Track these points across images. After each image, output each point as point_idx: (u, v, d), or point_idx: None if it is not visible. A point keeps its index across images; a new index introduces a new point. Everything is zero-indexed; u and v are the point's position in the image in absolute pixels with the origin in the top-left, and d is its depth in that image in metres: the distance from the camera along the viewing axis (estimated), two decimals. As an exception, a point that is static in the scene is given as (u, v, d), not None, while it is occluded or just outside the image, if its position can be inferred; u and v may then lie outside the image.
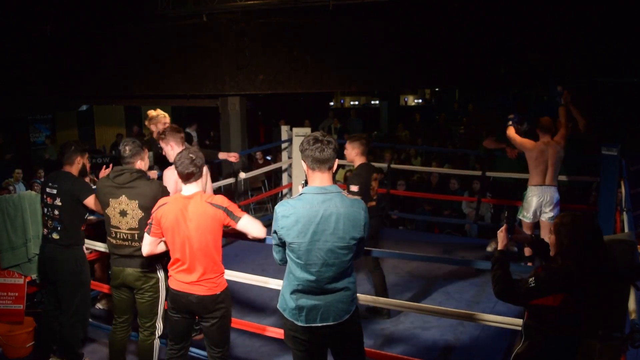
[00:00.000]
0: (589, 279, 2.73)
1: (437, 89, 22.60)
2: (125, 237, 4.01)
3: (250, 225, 3.59)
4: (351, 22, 8.78)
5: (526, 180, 7.40)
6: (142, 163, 4.13)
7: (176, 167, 3.57)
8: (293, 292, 3.11)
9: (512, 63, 8.07)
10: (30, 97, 11.84)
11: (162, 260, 4.12)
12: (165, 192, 4.02)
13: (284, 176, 9.00)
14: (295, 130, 8.41)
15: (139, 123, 16.84)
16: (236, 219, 3.55)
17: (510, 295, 2.91)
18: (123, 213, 3.98)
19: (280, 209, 3.06)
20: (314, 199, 3.02)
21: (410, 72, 8.95)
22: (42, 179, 9.46)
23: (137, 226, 3.97)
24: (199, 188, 3.62)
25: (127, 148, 4.06)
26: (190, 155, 3.57)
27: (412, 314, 5.33)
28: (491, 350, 4.77)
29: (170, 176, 4.53)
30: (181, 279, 3.59)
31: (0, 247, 4.76)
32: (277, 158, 10.96)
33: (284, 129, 8.80)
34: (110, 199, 4.00)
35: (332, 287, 3.06)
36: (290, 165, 8.68)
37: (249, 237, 3.66)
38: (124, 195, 3.96)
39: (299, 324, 3.09)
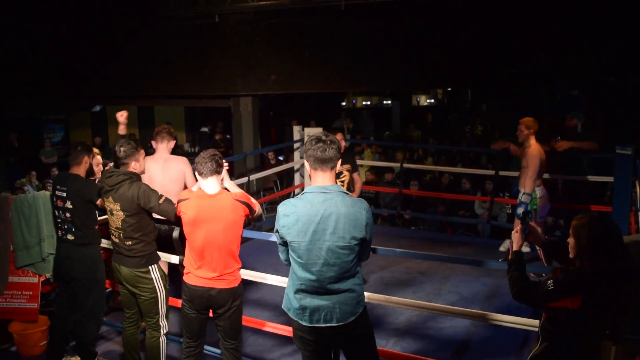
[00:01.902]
0: (600, 280, 2.71)
1: (449, 89, 22.50)
2: (115, 234, 4.13)
3: (259, 212, 3.89)
4: (362, 22, 8.76)
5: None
6: (136, 164, 4.17)
7: (196, 165, 3.66)
8: (296, 291, 3.12)
9: (518, 62, 8.03)
10: (43, 97, 11.93)
11: (157, 260, 4.20)
12: (145, 193, 4.00)
13: (296, 176, 9.01)
14: (307, 130, 8.41)
15: (151, 125, 16.88)
16: (253, 212, 3.75)
17: (528, 297, 2.90)
18: (111, 212, 4.12)
19: (282, 208, 3.09)
20: (314, 199, 3.02)
21: (420, 72, 8.92)
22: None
23: (120, 226, 4.06)
24: (220, 185, 3.70)
25: (121, 149, 4.11)
26: (211, 152, 3.65)
27: (424, 314, 5.31)
28: (504, 351, 4.74)
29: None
30: (202, 274, 3.66)
31: (14, 246, 4.79)
32: (289, 158, 10.97)
33: (296, 129, 8.81)
34: (104, 198, 4.14)
35: (335, 288, 3.05)
36: (302, 165, 8.68)
37: None
38: (111, 197, 4.08)
39: (304, 323, 3.10)
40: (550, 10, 7.51)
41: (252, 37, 9.25)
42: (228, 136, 13.92)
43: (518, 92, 13.25)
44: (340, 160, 3.11)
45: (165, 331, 4.23)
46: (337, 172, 5.80)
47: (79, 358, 4.61)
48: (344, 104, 22.97)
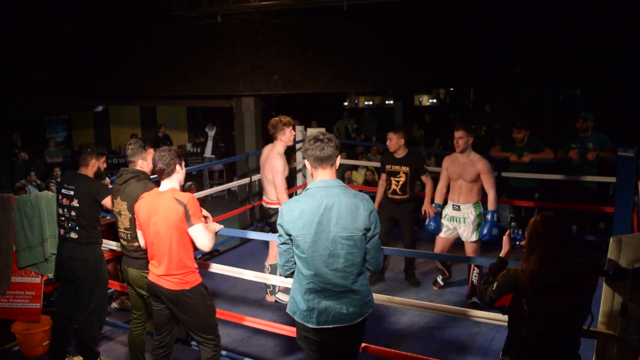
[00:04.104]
0: (530, 279, 2.74)
1: (451, 89, 22.50)
2: (123, 236, 4.19)
3: (198, 236, 3.62)
4: (364, 22, 8.77)
5: (540, 180, 7.34)
6: (143, 163, 4.24)
7: (153, 164, 3.74)
8: (305, 292, 3.11)
9: (521, 62, 8.03)
10: (46, 97, 11.95)
11: None
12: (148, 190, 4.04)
13: (299, 176, 9.00)
14: (310, 130, 8.40)
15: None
16: (189, 223, 3.59)
17: (482, 299, 3.00)
18: (119, 213, 4.16)
19: (285, 207, 3.12)
20: (317, 192, 3.08)
21: (423, 72, 8.92)
22: (59, 179, 9.54)
23: (129, 226, 4.11)
24: (173, 184, 3.72)
25: (129, 147, 4.24)
26: (161, 153, 3.69)
27: (427, 314, 5.31)
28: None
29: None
30: (153, 270, 3.72)
31: (17, 247, 4.80)
32: (291, 158, 10.95)
33: (299, 129, 8.80)
34: (114, 200, 4.20)
35: (343, 287, 3.06)
36: (304, 166, 8.65)
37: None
38: (119, 197, 4.13)
39: (310, 325, 3.10)
40: (552, 11, 7.51)
41: (254, 37, 9.25)
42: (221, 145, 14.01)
43: (520, 92, 13.26)
44: (339, 157, 3.16)
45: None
46: (403, 170, 5.88)
47: (81, 358, 4.62)
48: (346, 103, 22.96)
